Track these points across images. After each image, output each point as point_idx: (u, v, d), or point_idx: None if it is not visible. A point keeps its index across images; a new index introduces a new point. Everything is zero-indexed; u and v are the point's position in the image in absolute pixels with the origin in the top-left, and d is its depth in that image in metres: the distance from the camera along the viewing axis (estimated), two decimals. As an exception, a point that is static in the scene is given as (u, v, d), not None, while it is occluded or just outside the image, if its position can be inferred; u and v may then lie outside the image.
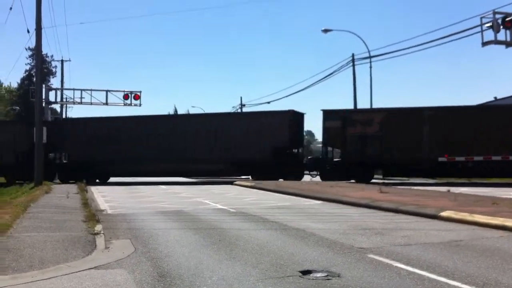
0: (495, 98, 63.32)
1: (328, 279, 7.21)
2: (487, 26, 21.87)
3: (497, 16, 21.24)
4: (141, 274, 7.69)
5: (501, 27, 21.39)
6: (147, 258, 8.89)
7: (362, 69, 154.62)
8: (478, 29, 22.93)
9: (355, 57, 45.37)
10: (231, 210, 17.06)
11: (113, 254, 9.36)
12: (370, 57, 44.01)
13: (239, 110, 72.59)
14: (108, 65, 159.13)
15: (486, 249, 9.43)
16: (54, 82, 78.50)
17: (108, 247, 10.00)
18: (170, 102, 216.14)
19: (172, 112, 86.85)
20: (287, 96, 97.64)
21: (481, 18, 22.17)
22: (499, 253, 9.08)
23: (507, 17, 21.10)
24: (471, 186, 29.04)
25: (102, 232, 11.72)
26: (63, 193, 22.61)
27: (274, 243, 10.34)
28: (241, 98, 72.94)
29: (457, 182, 33.11)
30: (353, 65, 45.48)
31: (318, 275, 7.48)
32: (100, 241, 10.64)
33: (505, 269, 7.76)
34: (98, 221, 13.47)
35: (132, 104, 42.33)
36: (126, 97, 42.17)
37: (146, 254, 9.30)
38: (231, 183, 34.21)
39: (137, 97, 42.29)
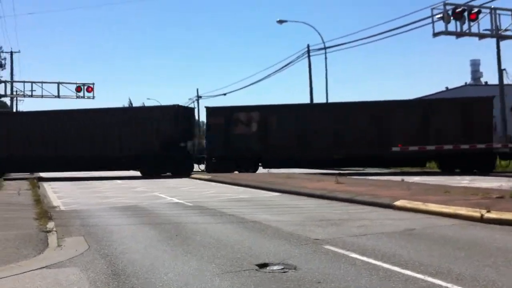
0: (447, 88, 64.92)
1: (285, 272, 7.21)
2: (438, 17, 22.30)
3: (448, 7, 21.69)
4: (95, 272, 7.53)
5: (452, 18, 21.86)
6: (101, 256, 8.71)
7: (319, 61, 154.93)
8: (430, 20, 23.37)
9: (311, 48, 45.68)
10: (188, 204, 16.94)
11: (66, 252, 9.14)
12: (325, 47, 44.34)
13: (195, 102, 72.23)
14: (60, 57, 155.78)
15: (439, 238, 9.62)
16: (4, 74, 76.17)
17: (61, 245, 9.76)
18: (125, 94, 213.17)
19: (126, 105, 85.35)
20: (243, 88, 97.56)
21: (432, 9, 22.59)
22: (451, 241, 9.28)
23: (456, 8, 21.59)
24: (424, 175, 29.70)
25: (54, 229, 11.45)
26: (14, 190, 21.99)
27: (231, 236, 10.30)
28: (197, 90, 72.63)
29: (411, 171, 33.81)
30: (309, 56, 45.77)
31: (275, 268, 7.48)
32: (52, 239, 10.39)
33: (457, 257, 7.92)
34: (50, 218, 13.15)
35: (85, 97, 41.56)
36: (78, 89, 41.36)
37: (100, 251, 9.12)
38: (188, 176, 33.98)
39: (90, 89, 41.52)
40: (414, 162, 34.72)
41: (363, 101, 36.78)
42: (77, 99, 41.63)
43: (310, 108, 37.84)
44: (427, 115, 33.20)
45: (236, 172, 34.19)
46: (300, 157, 34.46)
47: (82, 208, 16.57)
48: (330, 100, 44.80)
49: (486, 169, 31.16)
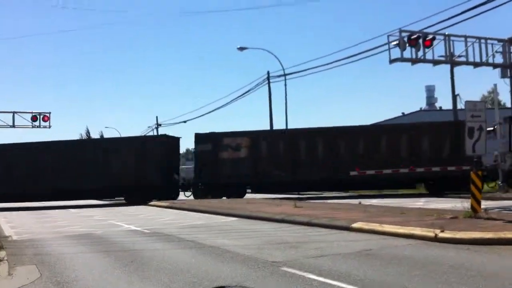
0: (403, 113, 66.37)
1: (241, 294, 7.16)
2: (394, 44, 22.82)
3: (403, 34, 22.22)
4: (46, 301, 7.32)
5: (407, 44, 22.39)
6: (53, 283, 8.48)
7: (279, 87, 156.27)
8: (386, 47, 23.89)
9: (271, 74, 46.12)
10: (145, 231, 16.68)
11: (17, 280, 8.88)
12: (284, 74, 44.78)
13: (154, 130, 71.67)
14: (15, 85, 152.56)
15: (395, 257, 9.73)
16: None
17: (12, 274, 9.48)
18: (83, 123, 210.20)
19: (84, 134, 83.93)
20: (204, 115, 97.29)
21: (388, 36, 23.11)
22: (407, 260, 9.40)
23: (412, 35, 22.09)
24: (381, 198, 30.10)
25: (5, 258, 11.13)
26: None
27: (188, 261, 10.18)
28: (156, 117, 71.84)
29: (368, 194, 34.22)
30: (269, 83, 46.15)
31: (232, 291, 7.42)
32: (3, 267, 10.11)
33: (411, 275, 8.02)
34: (1, 248, 12.76)
35: (41, 126, 40.65)
36: (34, 118, 40.39)
37: (53, 279, 8.87)
38: (145, 204, 33.53)
39: (46, 118, 40.62)
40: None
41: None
42: (33, 128, 40.75)
43: (300, 133, 36.52)
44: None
45: (224, 198, 33.87)
46: (289, 182, 34.45)
47: (35, 237, 16.12)
48: (289, 126, 45.20)
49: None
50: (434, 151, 32.79)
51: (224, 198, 33.77)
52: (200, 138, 35.97)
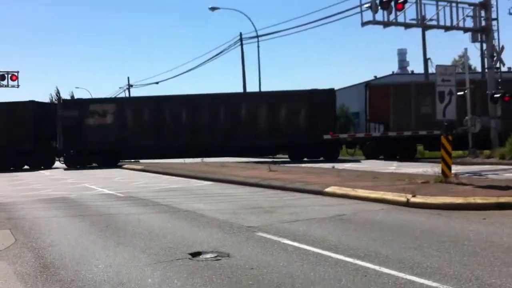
0: (375, 77, 66.70)
1: (218, 260, 7.24)
2: (366, 7, 22.76)
3: (376, -4, 22.16)
4: (23, 266, 7.31)
5: (379, 7, 22.36)
6: (28, 249, 8.45)
7: (252, 49, 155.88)
8: (358, 9, 23.84)
9: (244, 36, 45.79)
10: (119, 194, 16.66)
11: (-9, 246, 8.80)
12: (257, 36, 44.59)
13: (126, 91, 70.76)
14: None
15: (367, 222, 9.92)
16: None
17: (-15, 239, 9.39)
18: (52, 83, 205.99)
19: (54, 94, 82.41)
20: (176, 76, 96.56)
21: (360, -2, 23.05)
22: (379, 225, 9.59)
23: (384, -2, 22.06)
24: (354, 162, 30.48)
25: (-22, 223, 11.00)
26: None
27: (164, 226, 10.22)
28: (128, 78, 71.48)
29: (343, 158, 34.61)
30: (241, 44, 45.87)
31: (208, 256, 7.50)
32: (-24, 233, 9.98)
33: (384, 240, 8.20)
34: (-27, 212, 12.63)
35: (9, 86, 39.83)
36: (1, 78, 39.56)
37: (28, 244, 8.84)
38: (120, 167, 33.44)
39: (14, 78, 39.74)
40: (267, 152, 36.76)
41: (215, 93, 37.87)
42: (1, 88, 39.92)
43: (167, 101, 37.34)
44: (275, 108, 35.06)
45: (95, 164, 34.81)
46: (153, 148, 35.20)
47: (7, 200, 15.98)
48: (263, 89, 45.23)
49: (332, 157, 33.66)
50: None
51: (95, 164, 34.75)
52: (66, 104, 36.22)
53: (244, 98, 37.86)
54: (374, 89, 34.96)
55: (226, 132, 34.55)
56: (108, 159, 35.07)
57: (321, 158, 34.07)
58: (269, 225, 9.81)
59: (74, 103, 35.65)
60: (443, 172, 14.98)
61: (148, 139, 34.61)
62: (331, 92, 35.55)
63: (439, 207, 11.21)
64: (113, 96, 41.55)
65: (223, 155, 35.96)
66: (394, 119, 32.94)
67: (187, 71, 69.63)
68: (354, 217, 10.53)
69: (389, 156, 32.65)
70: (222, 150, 35.66)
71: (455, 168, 17.03)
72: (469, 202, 11.29)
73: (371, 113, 34.09)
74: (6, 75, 39.59)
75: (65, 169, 33.78)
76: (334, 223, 9.89)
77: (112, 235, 9.42)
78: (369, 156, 33.82)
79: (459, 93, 21.83)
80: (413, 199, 11.80)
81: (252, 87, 51.23)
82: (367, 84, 36.34)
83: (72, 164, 35.10)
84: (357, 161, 32.25)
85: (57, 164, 38.27)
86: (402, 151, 32.71)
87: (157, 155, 36.36)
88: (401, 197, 12.10)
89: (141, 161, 37.06)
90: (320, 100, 34.72)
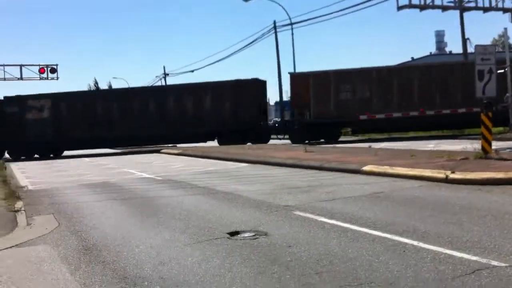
0: (412, 58, 65.63)
1: (256, 238, 7.31)
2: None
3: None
4: (66, 249, 7.52)
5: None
6: (71, 232, 8.68)
7: (285, 37, 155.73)
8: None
9: (278, 24, 45.90)
10: (158, 178, 16.90)
11: (36, 230, 9.07)
12: (291, 23, 44.72)
13: (162, 80, 71.37)
14: (22, 38, 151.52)
15: (405, 199, 9.84)
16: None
17: (30, 224, 9.68)
18: (91, 75, 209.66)
19: (92, 85, 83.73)
20: (210, 64, 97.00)
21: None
22: (418, 201, 9.50)
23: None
24: (391, 141, 30.16)
25: (23, 209, 11.34)
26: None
27: (202, 207, 10.35)
28: (164, 67, 71.32)
29: (378, 137, 34.29)
30: (275, 32, 46.01)
31: (246, 235, 7.57)
32: (21, 218, 10.29)
33: (422, 216, 8.13)
34: (18, 198, 13.02)
35: (49, 78, 40.66)
36: (42, 71, 40.33)
37: (71, 228, 9.08)
38: (158, 151, 33.89)
39: (53, 70, 40.55)
40: (196, 139, 37.43)
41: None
42: (41, 80, 40.80)
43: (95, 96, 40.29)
44: (202, 98, 36.63)
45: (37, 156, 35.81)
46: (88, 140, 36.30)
47: (50, 186, 16.39)
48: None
49: (262, 141, 35.66)
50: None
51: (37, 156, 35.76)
52: (8, 100, 36.93)
53: (171, 90, 39.71)
54: (295, 78, 36.21)
55: (155, 122, 35.98)
56: (48, 151, 36.52)
57: (249, 144, 35.22)
58: (306, 204, 9.83)
59: (14, 99, 36.66)
60: (483, 148, 14.70)
61: (82, 132, 36.22)
62: (256, 82, 37.35)
63: (479, 182, 11.02)
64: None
65: (153, 143, 38.48)
66: (314, 106, 33.86)
67: (221, 59, 69.82)
68: (391, 195, 10.45)
69: (314, 139, 33.43)
70: (152, 140, 37.62)
71: (495, 144, 16.67)
72: (510, 176, 11.05)
73: (295, 100, 35.91)
74: (46, 68, 40.39)
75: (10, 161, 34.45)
76: (372, 201, 9.84)
77: (152, 217, 9.59)
78: (295, 141, 34.43)
79: (499, 71, 21.30)
80: (452, 175, 11.62)
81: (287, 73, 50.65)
82: (290, 73, 37.56)
83: (17, 156, 36.23)
84: (393, 139, 31.87)
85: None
86: (328, 134, 33.72)
87: (92, 146, 38.00)
88: (440, 174, 11.94)
89: (178, 145, 37.77)
90: (246, 90, 36.28)
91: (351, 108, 33.23)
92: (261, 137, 36.51)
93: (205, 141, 37.38)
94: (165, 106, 36.92)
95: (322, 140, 32.79)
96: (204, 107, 36.66)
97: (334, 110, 33.63)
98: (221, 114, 36.29)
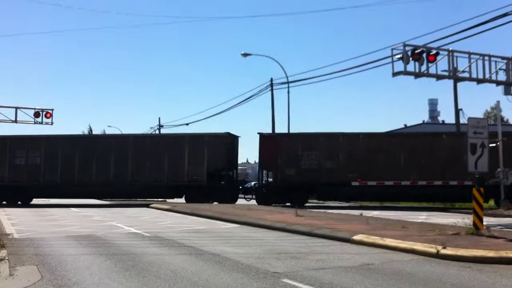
0: (405, 125, 66.41)
1: (242, 306, 7.14)
2: (398, 58, 22.80)
3: (407, 48, 22.20)
4: (47, 304, 7.31)
5: (411, 58, 22.36)
6: (54, 286, 8.46)
7: (282, 93, 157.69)
8: (390, 59, 23.84)
9: (274, 81, 46.28)
10: (146, 234, 16.67)
11: (18, 281, 8.87)
12: (288, 82, 45.00)
13: (156, 131, 71.58)
14: (18, 81, 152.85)
15: (396, 273, 9.70)
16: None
17: (13, 274, 9.46)
18: (85, 121, 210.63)
19: (86, 131, 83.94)
20: (206, 118, 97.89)
21: (392, 49, 23.09)
22: (408, 277, 9.37)
23: (416, 50, 22.06)
24: (382, 210, 30.06)
25: (6, 258, 11.10)
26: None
27: (188, 268, 10.16)
28: (159, 118, 72.30)
29: (370, 205, 34.17)
30: (272, 90, 46.23)
31: (232, 301, 7.40)
32: (4, 267, 10.08)
33: (413, 292, 7.99)
34: (2, 246, 12.76)
35: (43, 123, 40.69)
36: (37, 114, 40.37)
37: (53, 281, 8.86)
38: (146, 206, 33.59)
39: (48, 115, 40.55)
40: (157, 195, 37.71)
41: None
42: (35, 124, 40.80)
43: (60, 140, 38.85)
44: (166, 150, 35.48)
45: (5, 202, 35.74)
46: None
47: (36, 236, 16.12)
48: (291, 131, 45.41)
49: (229, 201, 34.41)
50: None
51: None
52: None
53: (133, 141, 37.47)
54: (263, 139, 35.64)
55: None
56: (18, 196, 36.37)
57: (215, 203, 34.51)
58: (295, 272, 9.67)
59: None
60: (474, 224, 14.65)
61: (44, 176, 36.11)
62: (225, 137, 36.13)
63: (470, 259, 10.92)
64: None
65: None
66: (281, 168, 33.77)
67: (218, 113, 70.24)
68: (382, 267, 10.32)
69: (281, 203, 33.41)
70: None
71: (486, 220, 16.65)
72: (501, 256, 10.97)
73: (263, 161, 35.43)
74: (41, 112, 40.47)
75: None
76: (362, 272, 9.70)
77: (136, 275, 9.38)
78: (261, 202, 34.10)
79: (491, 145, 21.51)
80: (443, 251, 11.52)
81: (281, 130, 51.01)
82: (259, 133, 36.72)
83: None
84: (388, 208, 31.81)
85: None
86: (295, 198, 32.97)
87: (57, 194, 37.67)
88: (431, 248, 11.83)
89: (167, 200, 37.41)
90: (214, 144, 35.15)
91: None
92: (228, 196, 35.32)
93: (169, 197, 37.11)
94: (125, 157, 35.81)
95: (288, 204, 32.45)
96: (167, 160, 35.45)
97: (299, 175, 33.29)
98: (183, 168, 35.16)
